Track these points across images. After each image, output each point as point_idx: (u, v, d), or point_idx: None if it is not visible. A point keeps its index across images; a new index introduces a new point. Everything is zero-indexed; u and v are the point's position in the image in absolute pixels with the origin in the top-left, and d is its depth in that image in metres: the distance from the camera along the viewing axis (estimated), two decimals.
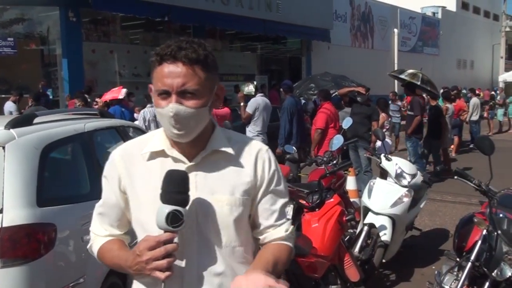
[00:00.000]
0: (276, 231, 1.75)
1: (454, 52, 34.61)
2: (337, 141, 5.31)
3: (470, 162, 13.02)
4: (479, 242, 3.40)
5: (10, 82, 13.16)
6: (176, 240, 1.55)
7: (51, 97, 13.03)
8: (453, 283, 3.61)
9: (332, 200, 4.31)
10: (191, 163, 1.66)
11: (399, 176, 5.25)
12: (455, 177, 3.66)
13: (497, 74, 36.96)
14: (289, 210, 4.64)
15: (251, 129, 8.79)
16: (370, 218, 5.12)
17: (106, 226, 1.80)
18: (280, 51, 22.77)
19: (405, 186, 5.21)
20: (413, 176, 5.29)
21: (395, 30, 26.93)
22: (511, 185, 6.82)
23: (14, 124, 3.05)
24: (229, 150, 1.69)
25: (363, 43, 25.08)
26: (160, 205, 1.53)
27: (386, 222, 5.03)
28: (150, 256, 1.52)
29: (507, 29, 37.49)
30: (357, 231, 5.37)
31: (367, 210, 5.23)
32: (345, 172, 7.01)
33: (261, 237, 1.76)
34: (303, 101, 13.48)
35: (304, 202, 4.44)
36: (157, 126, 8.12)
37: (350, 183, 7.08)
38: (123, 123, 4.85)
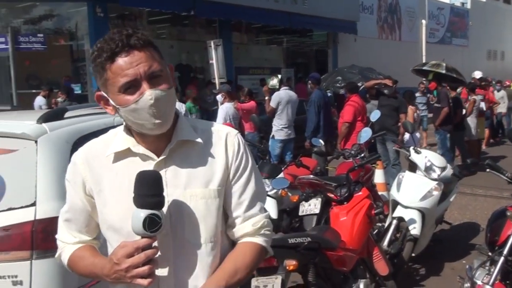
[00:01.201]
0: (243, 225, 1.65)
1: (484, 43, 33.89)
2: (366, 134, 5.26)
3: (501, 154, 12.79)
4: None
5: (40, 78, 13.38)
6: (155, 244, 1.49)
7: (79, 92, 13.23)
8: (485, 277, 3.54)
9: (360, 193, 4.28)
10: (160, 158, 1.57)
11: (428, 169, 5.18)
12: (487, 170, 3.59)
13: None
14: (317, 204, 4.55)
15: (276, 123, 8.80)
16: (399, 212, 5.07)
17: (74, 233, 1.70)
18: (306, 44, 22.63)
19: (434, 179, 5.14)
20: (443, 169, 5.22)
21: (423, 21, 26.49)
22: None
23: (46, 118, 3.09)
24: (197, 139, 1.61)
25: (390, 35, 24.76)
26: (134, 209, 1.44)
27: (416, 215, 4.97)
28: (129, 263, 1.44)
29: None
30: (386, 224, 5.32)
31: (396, 203, 5.18)
32: (373, 165, 6.95)
33: (229, 233, 1.67)
34: (329, 94, 13.42)
35: (332, 195, 4.42)
36: None
37: (378, 176, 7.01)
38: None
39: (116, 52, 1.47)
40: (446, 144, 9.60)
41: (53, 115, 3.22)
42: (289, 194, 5.58)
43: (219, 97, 9.46)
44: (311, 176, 5.04)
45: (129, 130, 1.62)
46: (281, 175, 5.43)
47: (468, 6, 32.09)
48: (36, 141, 2.84)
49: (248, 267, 1.63)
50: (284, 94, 8.90)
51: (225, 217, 1.68)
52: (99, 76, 1.52)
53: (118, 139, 1.63)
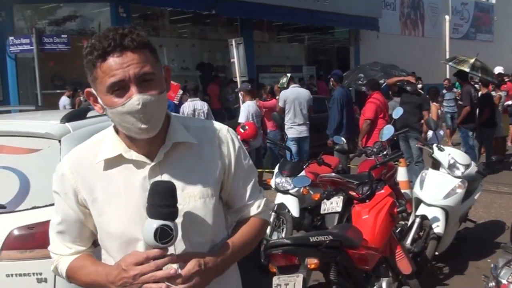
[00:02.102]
0: (248, 210, 1.71)
1: (509, 38, 33.23)
2: (388, 131, 5.20)
3: None
4: None
5: (64, 78, 13.58)
6: (170, 253, 1.47)
7: None
8: (510, 277, 3.48)
9: (382, 191, 4.24)
10: (154, 163, 1.54)
11: (452, 167, 5.10)
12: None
13: None
14: (339, 202, 4.53)
15: (286, 121, 8.82)
16: (422, 210, 5.01)
17: (69, 244, 1.65)
18: (328, 42, 22.53)
19: (458, 177, 5.06)
20: (467, 166, 5.14)
21: (447, 17, 26.13)
22: None
23: (69, 118, 3.14)
24: (191, 140, 1.59)
25: (413, 31, 24.47)
26: (147, 220, 1.42)
27: (439, 213, 4.91)
28: (138, 271, 1.42)
29: None
30: (409, 223, 5.27)
31: (419, 201, 5.12)
32: (396, 163, 6.90)
33: (236, 218, 1.73)
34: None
35: (354, 193, 4.39)
36: None
37: (401, 174, 6.95)
38: None
39: (108, 52, 1.42)
40: (468, 142, 9.48)
41: (76, 114, 3.28)
42: (311, 192, 5.57)
43: (240, 95, 9.51)
44: (333, 174, 5.02)
45: (118, 134, 1.58)
46: (303, 173, 5.42)
47: (493, 0, 31.53)
48: (59, 141, 2.89)
49: (253, 236, 1.70)
50: (290, 92, 8.91)
51: (227, 205, 1.72)
52: (89, 72, 1.47)
53: (108, 144, 1.57)
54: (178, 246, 1.53)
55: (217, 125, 1.70)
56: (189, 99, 8.56)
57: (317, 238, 3.31)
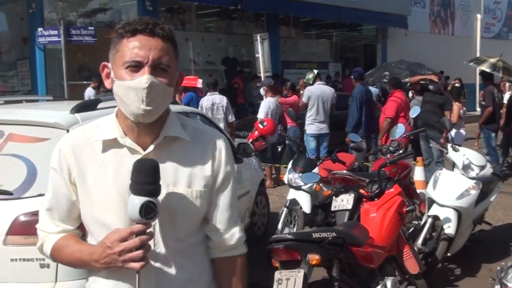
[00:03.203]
0: (227, 236, 1.68)
1: None
2: (399, 130, 5.17)
3: None
4: None
5: (91, 70, 13.80)
6: (149, 230, 1.50)
7: None
8: None
9: (392, 190, 4.22)
10: (146, 152, 1.56)
11: (466, 168, 5.04)
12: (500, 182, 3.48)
13: None
14: (349, 199, 4.54)
15: (307, 116, 8.83)
16: (434, 210, 4.97)
17: (57, 222, 1.66)
18: (355, 38, 22.36)
19: (472, 178, 5.00)
20: (482, 167, 5.06)
21: (478, 16, 25.62)
22: None
23: (79, 108, 3.21)
24: (185, 137, 1.61)
25: (443, 30, 24.08)
26: (131, 196, 1.45)
27: (451, 214, 4.86)
28: (123, 247, 1.45)
29: None
30: (422, 222, 5.23)
31: (432, 201, 5.08)
32: (414, 162, 6.84)
33: (212, 237, 1.69)
34: (375, 89, 13.22)
35: (363, 191, 4.38)
36: (214, 115, 8.20)
37: (418, 174, 6.89)
38: (186, 109, 4.98)
39: (138, 29, 1.49)
40: (490, 143, 9.32)
41: (87, 105, 3.35)
42: (324, 188, 5.58)
43: (261, 91, 9.52)
44: (345, 171, 5.01)
45: (118, 119, 1.61)
46: (316, 169, 5.43)
47: None
48: (67, 130, 2.96)
49: (245, 278, 1.73)
50: (315, 89, 8.91)
51: (206, 220, 1.69)
52: (113, 45, 1.54)
53: (106, 127, 1.61)
54: (156, 242, 1.56)
55: (215, 132, 1.73)
56: (208, 93, 8.58)
57: (320, 235, 3.32)
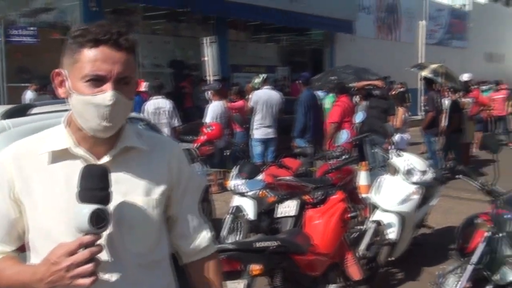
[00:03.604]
0: (197, 239, 1.67)
1: (483, 45, 33.77)
2: (343, 136, 5.21)
3: (492, 157, 12.72)
4: (482, 244, 3.29)
5: (32, 71, 13.32)
6: (100, 241, 1.38)
7: None
8: (455, 284, 3.51)
9: (336, 196, 4.24)
10: (101, 162, 1.48)
11: (408, 173, 5.12)
12: (460, 176, 3.56)
13: None
14: (293, 206, 4.51)
15: (254, 121, 8.81)
16: (378, 215, 5.02)
17: None
18: (304, 43, 22.56)
19: (414, 183, 5.09)
20: (424, 173, 5.16)
21: (422, 22, 26.38)
22: None
23: (10, 114, 3.05)
24: (142, 146, 1.56)
25: (389, 35, 24.68)
26: (78, 205, 1.34)
27: (394, 219, 4.92)
28: (71, 261, 1.31)
29: None
30: (365, 227, 5.28)
31: (375, 206, 5.13)
32: (357, 167, 6.91)
33: (181, 243, 1.67)
34: (323, 93, 13.35)
35: (307, 197, 4.38)
36: (158, 120, 8.05)
37: (362, 178, 6.94)
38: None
39: (101, 40, 1.40)
40: (432, 148, 9.58)
41: (18, 111, 3.19)
42: (269, 195, 5.54)
43: (207, 94, 9.43)
44: (289, 177, 5.00)
45: (69, 128, 1.52)
46: (261, 176, 5.39)
47: (468, 8, 31.98)
48: None
49: (221, 276, 1.75)
50: (262, 93, 8.90)
51: (172, 228, 1.67)
52: (70, 53, 1.43)
53: (55, 137, 1.51)
54: (114, 255, 1.47)
55: (170, 140, 1.72)
56: (152, 97, 8.39)
57: (263, 244, 3.28)
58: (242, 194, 5.37)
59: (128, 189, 1.51)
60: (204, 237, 1.69)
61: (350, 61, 18.16)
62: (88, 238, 1.34)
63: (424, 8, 26.76)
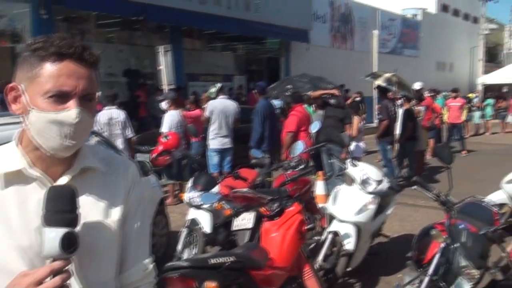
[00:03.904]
0: (133, 270, 1.55)
1: (434, 54, 34.79)
2: (298, 147, 5.19)
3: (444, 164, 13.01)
4: (438, 255, 3.29)
5: None
6: (70, 267, 1.27)
7: None
8: None
9: (292, 208, 4.18)
10: (57, 184, 1.38)
11: (364, 183, 5.13)
12: (413, 187, 3.56)
13: (475, 76, 37.25)
14: (250, 218, 4.41)
15: (210, 131, 8.72)
16: (334, 226, 5.00)
17: None
18: (260, 52, 22.65)
19: (370, 193, 5.10)
20: (379, 182, 5.18)
21: (375, 32, 26.88)
22: (488, 188, 6.80)
23: None
24: (99, 167, 1.47)
25: (343, 44, 25.04)
26: (46, 229, 1.24)
27: (351, 230, 4.91)
28: None
29: (486, 32, 37.82)
30: (322, 238, 5.25)
31: (332, 217, 5.12)
32: (314, 177, 6.91)
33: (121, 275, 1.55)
34: (279, 102, 13.39)
35: (264, 210, 4.31)
36: (111, 131, 7.85)
37: (319, 188, 6.97)
38: None
39: (65, 54, 1.31)
40: (387, 156, 9.70)
41: None
42: (225, 207, 5.44)
43: (163, 104, 9.25)
44: (245, 189, 4.90)
45: (22, 148, 1.39)
46: (217, 187, 5.30)
47: (419, 18, 32.85)
48: None
49: None
50: (218, 103, 8.81)
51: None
52: (28, 67, 1.33)
53: (8, 156, 1.38)
54: (80, 282, 1.38)
55: (126, 160, 1.64)
56: (105, 108, 8.16)
57: (218, 260, 3.18)
58: (197, 207, 5.25)
59: (88, 212, 1.40)
60: (148, 267, 1.59)
61: (305, 70, 18.32)
62: (58, 264, 1.23)
63: (377, 17, 27.32)
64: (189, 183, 5.44)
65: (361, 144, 9.90)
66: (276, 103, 14.30)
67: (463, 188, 10.21)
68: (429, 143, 14.20)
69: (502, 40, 46.76)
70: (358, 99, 14.72)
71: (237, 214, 4.29)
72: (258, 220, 4.67)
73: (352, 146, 9.46)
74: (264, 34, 19.42)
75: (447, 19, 37.79)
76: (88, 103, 1.36)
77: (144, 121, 14.40)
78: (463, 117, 16.27)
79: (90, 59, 1.35)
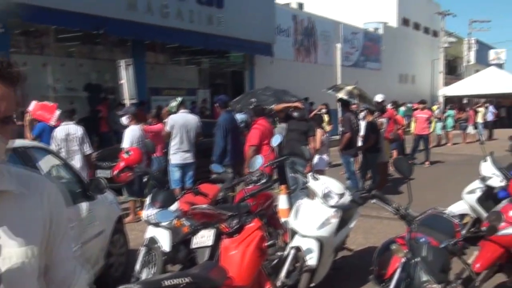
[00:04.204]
0: (73, 285, 1.49)
1: (396, 67, 35.42)
2: (257, 161, 5.10)
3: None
4: (398, 271, 3.22)
5: None
6: None
7: None
8: None
9: (252, 224, 4.07)
10: None
11: (326, 196, 5.05)
12: (373, 201, 3.50)
13: (436, 88, 38.04)
14: (210, 235, 4.26)
15: (171, 146, 8.56)
16: (296, 241, 4.90)
17: None
18: (224, 65, 22.59)
19: (332, 207, 5.02)
20: (341, 195, 5.10)
21: (338, 45, 27.15)
22: (452, 198, 6.84)
23: None
24: (17, 189, 1.35)
25: (307, 58, 25.22)
26: None
27: (313, 245, 4.82)
28: None
29: (446, 45, 38.70)
30: (285, 254, 5.15)
31: (294, 232, 5.02)
32: (277, 190, 6.81)
33: None
34: (243, 115, 13.30)
35: (223, 226, 4.18)
36: (68, 147, 7.63)
37: (282, 202, 6.84)
38: (24, 143, 4.46)
39: None
40: (350, 168, 9.71)
41: None
42: (185, 224, 5.29)
43: (124, 119, 9.04)
44: (204, 206, 4.79)
45: None
46: (176, 204, 5.15)
47: (381, 31, 33.41)
48: None
49: None
50: (179, 117, 8.65)
51: (47, 276, 1.45)
52: None
53: None
54: None
55: (43, 178, 1.49)
56: (62, 123, 7.92)
57: (172, 282, 3.04)
58: (156, 225, 5.09)
59: (3, 240, 1.28)
60: (79, 282, 1.50)
61: (270, 83, 18.30)
62: None
63: (340, 31, 27.65)
64: (147, 200, 5.28)
65: (325, 157, 9.88)
66: (240, 117, 14.22)
67: (427, 199, 10.35)
68: (392, 155, 14.34)
69: (462, 53, 47.96)
70: (324, 110, 14.77)
71: (194, 231, 4.16)
72: (218, 237, 4.54)
73: (316, 159, 9.43)
74: (227, 48, 19.39)
75: (408, 33, 38.57)
76: (6, 127, 1.25)
77: (105, 137, 14.12)
78: (430, 128, 16.54)
79: (14, 77, 1.25)
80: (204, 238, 4.60)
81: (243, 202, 4.31)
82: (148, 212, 5.13)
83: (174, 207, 5.15)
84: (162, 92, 17.80)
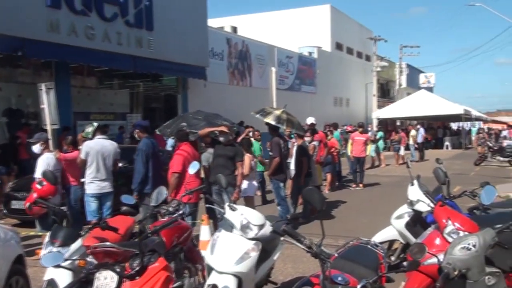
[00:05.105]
0: None
1: (330, 90, 35.95)
2: (161, 192, 4.71)
3: (341, 199, 13.05)
4: None
5: None
6: None
7: None
8: None
9: (156, 264, 3.64)
10: None
11: (244, 228, 4.66)
12: (282, 238, 3.16)
13: (370, 111, 38.86)
14: (114, 277, 3.70)
15: (87, 174, 7.95)
16: (213, 278, 4.47)
17: None
18: (157, 89, 22.04)
19: (252, 239, 4.64)
20: (261, 226, 4.73)
21: (273, 69, 27.27)
22: (383, 222, 6.62)
23: None
24: None
25: (241, 81, 25.06)
26: None
27: (231, 282, 4.40)
28: None
29: (378, 69, 39.66)
30: None
31: (210, 268, 4.59)
32: (198, 221, 6.40)
33: None
34: (173, 141, 12.81)
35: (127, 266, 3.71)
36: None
37: (204, 233, 6.43)
38: None
39: None
40: (280, 193, 9.41)
41: None
42: (92, 263, 4.77)
43: (37, 147, 8.35)
44: (108, 243, 4.28)
45: None
46: (79, 241, 4.62)
47: (315, 55, 33.87)
48: None
49: None
50: (94, 143, 8.08)
51: None
52: None
53: None
54: None
55: None
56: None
57: None
58: (56, 265, 4.53)
59: None
60: None
61: (204, 107, 17.88)
62: None
63: (274, 55, 27.77)
64: (46, 238, 4.72)
65: (254, 183, 9.55)
66: (171, 142, 13.73)
67: (360, 222, 10.23)
68: (327, 178, 14.25)
69: (394, 76, 49.43)
70: (247, 136, 14.51)
71: (87, 276, 3.66)
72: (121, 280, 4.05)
73: (245, 184, 9.08)
74: (159, 71, 18.87)
75: (342, 57, 39.36)
76: None
77: (25, 165, 13.23)
78: (367, 151, 16.62)
79: None
80: (107, 280, 4.09)
81: (151, 236, 3.86)
82: (46, 252, 4.57)
83: (77, 244, 4.63)
84: (90, 116, 17.04)
